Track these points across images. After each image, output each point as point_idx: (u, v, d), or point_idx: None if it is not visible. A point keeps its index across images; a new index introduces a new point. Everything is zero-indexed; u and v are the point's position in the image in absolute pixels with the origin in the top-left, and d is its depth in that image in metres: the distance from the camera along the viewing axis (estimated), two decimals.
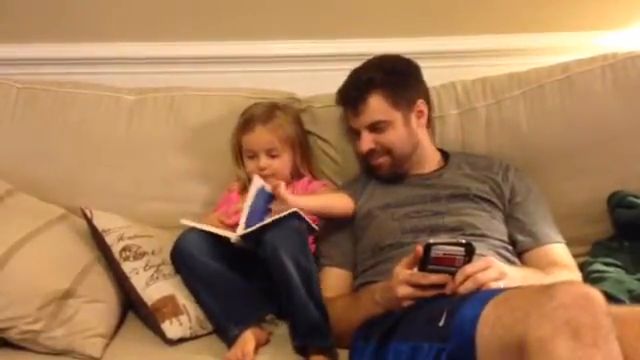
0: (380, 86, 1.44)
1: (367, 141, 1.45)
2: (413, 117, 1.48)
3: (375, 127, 1.45)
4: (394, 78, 1.45)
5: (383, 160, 1.47)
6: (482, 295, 1.03)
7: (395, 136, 1.45)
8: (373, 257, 1.40)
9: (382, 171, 1.49)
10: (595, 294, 0.92)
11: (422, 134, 1.51)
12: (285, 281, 1.27)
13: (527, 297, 0.94)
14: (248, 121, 1.53)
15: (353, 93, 1.46)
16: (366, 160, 1.50)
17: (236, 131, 1.56)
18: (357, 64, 1.64)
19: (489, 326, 0.96)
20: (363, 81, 1.45)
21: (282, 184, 1.36)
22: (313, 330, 1.26)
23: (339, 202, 1.46)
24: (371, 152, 1.46)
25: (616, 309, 0.99)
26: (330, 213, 1.43)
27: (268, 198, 1.39)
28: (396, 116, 1.45)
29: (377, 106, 1.44)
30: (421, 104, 1.49)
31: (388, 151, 1.46)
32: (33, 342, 1.29)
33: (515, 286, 1.07)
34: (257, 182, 1.41)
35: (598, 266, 1.41)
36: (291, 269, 1.26)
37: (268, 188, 1.39)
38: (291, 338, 1.31)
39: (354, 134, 1.51)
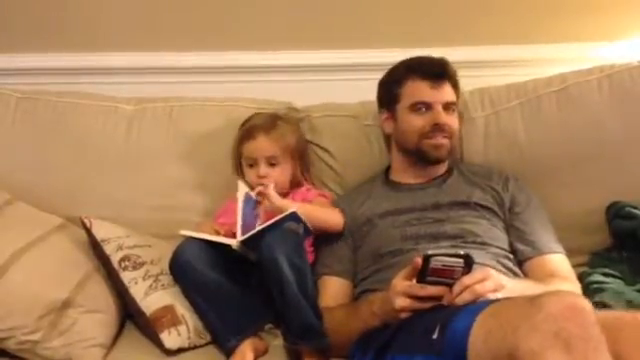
0: (453, 79, 1.51)
1: (444, 115, 1.47)
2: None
3: (448, 107, 1.48)
4: (456, 79, 1.53)
5: (445, 142, 1.47)
6: (474, 307, 1.03)
7: (457, 123, 1.51)
8: (373, 264, 1.40)
9: (440, 152, 1.48)
10: (583, 304, 0.92)
11: None
12: (278, 278, 1.26)
13: (516, 309, 0.95)
14: (250, 130, 1.54)
15: (439, 69, 1.49)
16: (425, 137, 1.46)
17: (237, 141, 1.56)
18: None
19: (480, 338, 0.96)
20: (447, 65, 1.50)
21: (270, 184, 1.40)
22: (306, 329, 1.26)
23: (327, 215, 1.46)
24: (441, 127, 1.46)
25: (612, 315, 0.99)
26: (313, 223, 1.40)
27: (253, 204, 1.41)
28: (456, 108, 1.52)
29: (451, 90, 1.50)
30: None
31: (451, 134, 1.48)
32: (31, 352, 1.28)
33: (505, 297, 1.07)
34: (242, 188, 1.42)
35: (597, 277, 1.41)
36: (284, 266, 1.26)
37: (252, 194, 1.40)
38: (283, 338, 1.31)
39: (415, 108, 1.47)
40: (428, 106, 1.46)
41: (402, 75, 1.51)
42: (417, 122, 1.47)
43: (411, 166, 1.52)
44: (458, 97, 1.53)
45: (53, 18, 1.82)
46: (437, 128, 1.45)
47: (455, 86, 1.51)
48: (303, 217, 1.34)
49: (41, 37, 1.83)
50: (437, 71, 1.48)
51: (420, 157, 1.49)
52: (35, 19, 1.82)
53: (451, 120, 1.48)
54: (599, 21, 1.80)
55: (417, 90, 1.48)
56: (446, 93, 1.48)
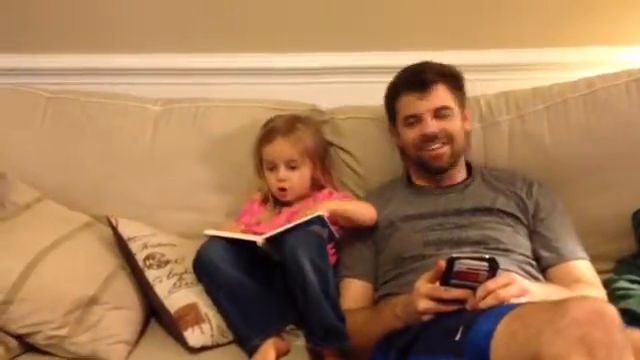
0: (447, 78, 1.49)
1: (433, 124, 1.45)
2: (464, 117, 1.52)
3: (440, 113, 1.46)
4: (455, 77, 1.51)
5: (444, 150, 1.46)
6: (497, 310, 1.03)
7: (456, 126, 1.48)
8: (395, 268, 1.40)
9: (440, 162, 1.47)
10: (608, 310, 0.91)
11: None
12: (301, 280, 1.27)
13: (540, 313, 0.94)
14: (269, 133, 1.55)
15: (423, 76, 1.47)
16: (421, 150, 1.47)
17: (258, 142, 1.57)
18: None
19: (503, 342, 0.96)
20: (434, 69, 1.49)
21: None
22: (328, 331, 1.26)
23: (366, 209, 1.47)
24: (433, 138, 1.45)
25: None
26: (358, 218, 1.45)
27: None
28: (456, 109, 1.49)
29: (445, 93, 1.48)
30: (466, 111, 1.54)
31: (450, 139, 1.47)
32: (58, 347, 1.31)
33: (529, 301, 1.07)
34: (317, 214, 1.35)
35: (623, 283, 1.39)
36: (308, 268, 1.27)
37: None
38: (305, 340, 1.32)
39: (408, 122, 1.49)
40: (418, 118, 1.47)
41: (394, 91, 1.53)
42: (410, 135, 1.48)
43: (424, 176, 1.53)
44: (460, 97, 1.51)
45: (81, 19, 1.84)
46: (426, 139, 1.45)
47: (453, 87, 1.49)
48: (329, 212, 1.35)
49: (69, 38, 1.85)
50: (421, 80, 1.47)
51: (424, 168, 1.50)
52: (64, 20, 1.85)
53: (445, 125, 1.46)
54: (627, 24, 1.77)
55: (406, 104, 1.49)
56: (435, 99, 1.46)
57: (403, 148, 1.55)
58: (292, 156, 1.51)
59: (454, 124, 1.47)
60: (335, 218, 1.41)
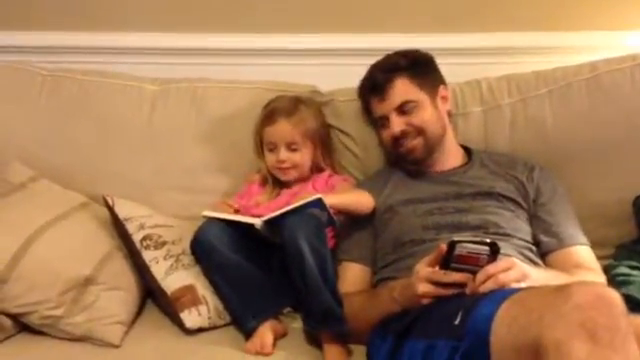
0: (405, 69, 1.47)
1: (398, 123, 1.45)
2: (439, 100, 1.49)
3: (404, 109, 1.45)
4: (417, 63, 1.49)
5: (416, 142, 1.46)
6: (498, 294, 1.02)
7: (426, 115, 1.46)
8: (394, 253, 1.39)
9: (415, 154, 1.46)
10: (612, 295, 0.90)
11: (447, 121, 1.52)
12: (299, 263, 1.26)
13: (543, 297, 0.94)
14: (271, 113, 1.53)
15: (380, 77, 1.47)
16: (395, 148, 1.48)
17: (259, 123, 1.56)
18: (379, 58, 1.63)
19: (504, 326, 0.95)
20: (389, 66, 1.48)
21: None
22: (326, 314, 1.26)
23: (365, 200, 1.46)
24: (403, 135, 1.45)
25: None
26: (356, 209, 1.43)
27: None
28: (423, 97, 1.46)
29: (404, 87, 1.46)
30: (443, 89, 1.52)
31: (421, 131, 1.45)
32: (53, 327, 1.30)
33: (530, 286, 1.06)
34: (315, 197, 1.34)
35: (623, 269, 1.39)
36: (306, 251, 1.26)
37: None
38: (303, 322, 1.31)
39: (380, 124, 1.51)
40: (385, 118, 1.47)
41: (362, 94, 1.56)
42: (384, 136, 1.50)
43: (408, 167, 1.52)
44: (428, 83, 1.48)
45: None
46: (396, 138, 1.46)
47: (416, 75, 1.46)
48: (329, 206, 1.33)
49: (67, 16, 1.83)
50: (376, 82, 1.48)
51: (404, 162, 1.50)
52: None
53: (412, 119, 1.45)
54: (631, 8, 1.76)
55: (373, 108, 1.51)
56: (395, 97, 1.45)
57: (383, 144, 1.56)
58: (293, 138, 1.50)
59: (422, 114, 1.45)
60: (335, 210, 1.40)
